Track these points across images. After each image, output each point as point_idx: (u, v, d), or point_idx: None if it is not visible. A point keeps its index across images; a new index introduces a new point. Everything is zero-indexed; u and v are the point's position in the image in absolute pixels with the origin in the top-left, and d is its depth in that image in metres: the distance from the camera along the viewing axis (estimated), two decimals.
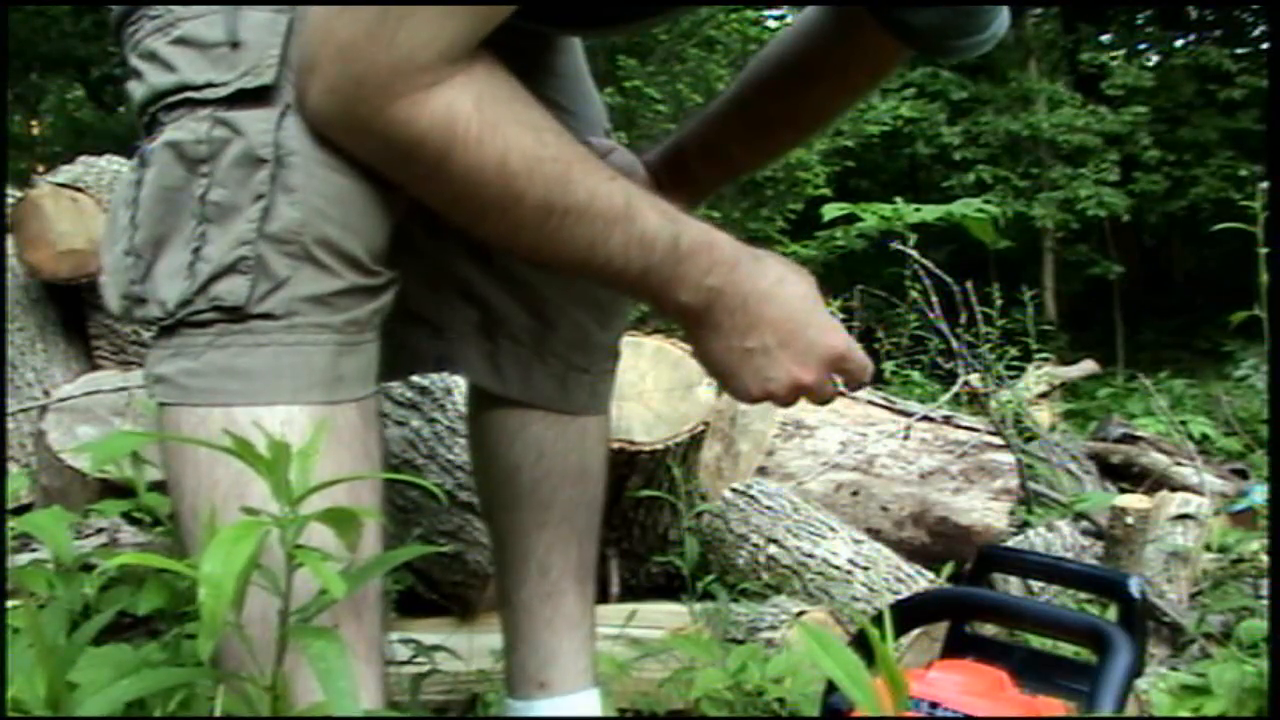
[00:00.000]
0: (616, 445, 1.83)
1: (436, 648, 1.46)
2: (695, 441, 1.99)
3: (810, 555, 1.91)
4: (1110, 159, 13.67)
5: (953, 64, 12.72)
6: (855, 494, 2.32)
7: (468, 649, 1.54)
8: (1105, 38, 16.63)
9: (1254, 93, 13.54)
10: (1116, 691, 0.83)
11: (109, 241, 0.85)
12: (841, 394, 0.97)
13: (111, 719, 0.70)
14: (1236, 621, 1.79)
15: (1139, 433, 3.64)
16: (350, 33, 0.75)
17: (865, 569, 1.86)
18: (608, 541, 1.94)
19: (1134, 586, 0.92)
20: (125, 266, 0.83)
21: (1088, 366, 5.57)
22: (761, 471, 2.32)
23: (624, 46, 9.99)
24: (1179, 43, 16.52)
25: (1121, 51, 15.48)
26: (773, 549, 1.94)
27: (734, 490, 2.09)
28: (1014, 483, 2.39)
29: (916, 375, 3.96)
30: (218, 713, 0.72)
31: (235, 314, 0.78)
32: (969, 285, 3.36)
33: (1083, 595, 1.75)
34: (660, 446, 1.90)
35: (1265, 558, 2.09)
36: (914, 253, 3.23)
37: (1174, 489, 2.59)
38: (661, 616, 1.71)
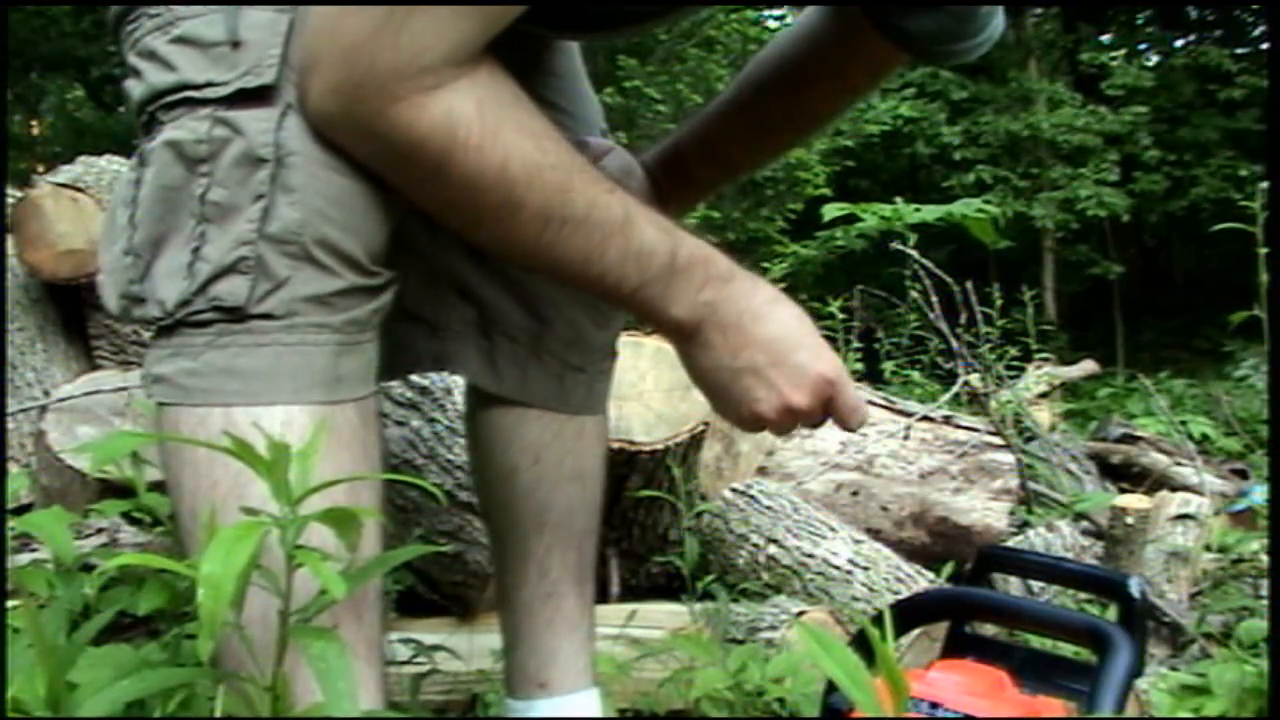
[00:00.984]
0: (616, 445, 1.83)
1: (436, 648, 1.46)
2: (695, 441, 1.99)
3: (810, 555, 1.91)
4: (1110, 159, 13.66)
5: (952, 65, 12.72)
6: (855, 494, 2.32)
7: (468, 649, 1.54)
8: (1105, 38, 16.63)
9: (1254, 93, 13.54)
10: (1116, 691, 0.83)
11: (107, 241, 0.85)
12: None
13: (111, 719, 0.70)
14: (1236, 621, 1.79)
15: (1139, 433, 3.64)
16: (355, 32, 0.75)
17: (865, 569, 1.86)
18: (608, 541, 1.94)
19: (1134, 586, 0.92)
20: (124, 266, 0.82)
21: (1088, 366, 5.57)
22: (761, 471, 2.32)
23: (624, 47, 9.99)
24: (1179, 43, 16.53)
25: (1121, 51, 15.45)
26: (773, 549, 1.94)
27: (734, 490, 2.09)
28: (1014, 483, 2.39)
29: (916, 375, 3.96)
30: (218, 713, 0.72)
31: (235, 314, 0.78)
32: (969, 285, 3.36)
33: (1083, 595, 1.75)
34: (660, 446, 1.90)
35: (1265, 558, 2.09)
36: (914, 253, 3.23)
37: (1174, 489, 2.59)
38: (661, 616, 1.71)
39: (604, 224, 0.82)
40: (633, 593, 1.97)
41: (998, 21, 1.06)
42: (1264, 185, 1.86)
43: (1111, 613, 0.96)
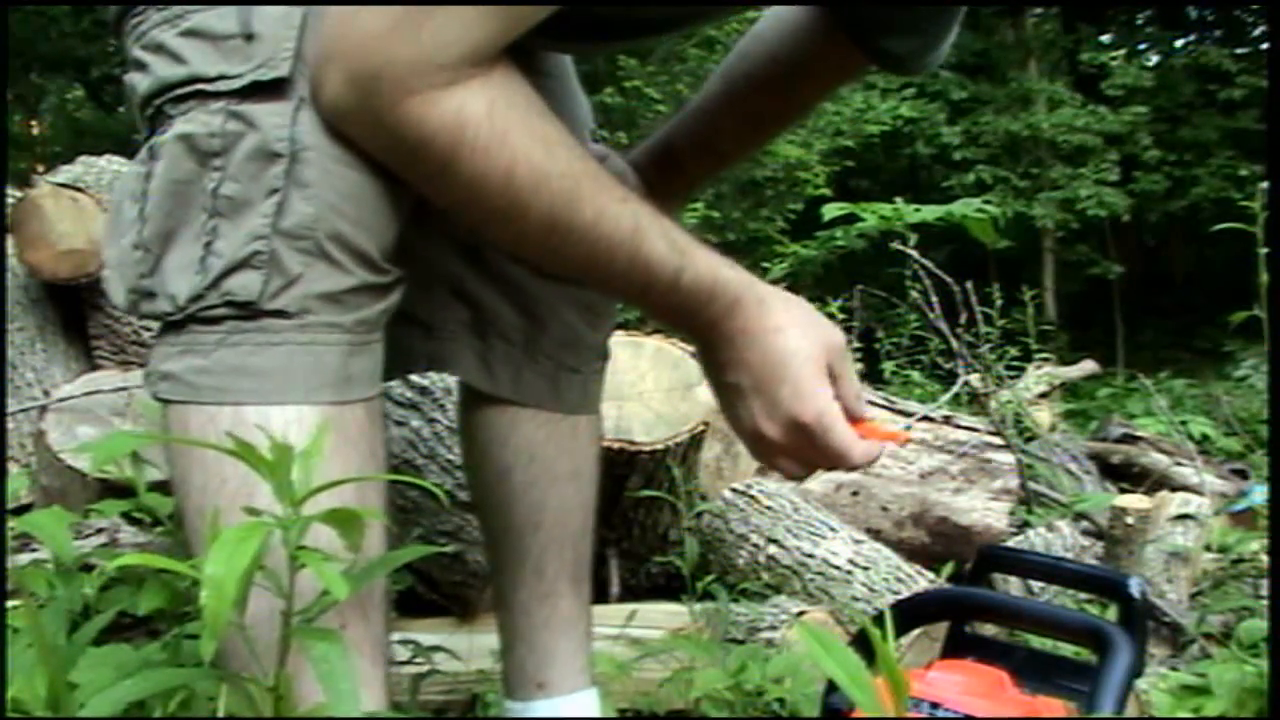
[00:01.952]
0: (616, 445, 1.83)
1: (436, 648, 1.45)
2: (695, 441, 1.99)
3: (810, 555, 1.91)
4: (1110, 159, 13.68)
5: (950, 64, 12.74)
6: (855, 494, 2.32)
7: (467, 649, 1.54)
8: (1105, 38, 16.65)
9: (1254, 93, 13.55)
10: (1116, 691, 0.83)
11: (114, 235, 0.84)
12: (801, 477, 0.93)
13: (112, 719, 0.70)
14: (1236, 621, 1.79)
15: (1139, 433, 3.64)
16: (375, 25, 0.75)
17: (865, 569, 1.86)
18: (608, 541, 1.94)
19: (1134, 586, 0.92)
20: (133, 260, 0.82)
21: (1088, 366, 5.57)
22: (761, 471, 2.32)
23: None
24: (1179, 43, 16.55)
25: (1121, 51, 15.47)
26: (773, 549, 1.94)
27: (734, 490, 2.09)
28: (1014, 483, 2.39)
29: (916, 375, 3.97)
30: (221, 713, 0.72)
31: (248, 310, 0.78)
32: (969, 285, 3.36)
33: (1083, 595, 1.75)
34: (660, 446, 1.90)
35: (1265, 558, 2.09)
36: (914, 253, 3.24)
37: (1174, 489, 2.59)
38: (661, 616, 1.71)
39: (611, 235, 0.82)
40: (633, 593, 1.97)
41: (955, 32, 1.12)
42: (1264, 185, 1.86)
43: (1111, 613, 0.96)
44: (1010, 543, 2.24)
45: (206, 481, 0.78)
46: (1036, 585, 1.88)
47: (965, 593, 1.04)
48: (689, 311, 0.87)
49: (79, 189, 2.17)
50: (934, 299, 3.22)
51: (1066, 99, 14.17)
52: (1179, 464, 3.24)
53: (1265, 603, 1.86)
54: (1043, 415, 3.73)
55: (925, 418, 2.47)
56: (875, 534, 2.15)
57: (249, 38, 0.79)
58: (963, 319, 3.30)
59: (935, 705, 0.84)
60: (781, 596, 1.83)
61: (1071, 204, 13.27)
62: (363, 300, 0.81)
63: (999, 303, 3.72)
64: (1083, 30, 15.93)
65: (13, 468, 1.99)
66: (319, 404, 0.79)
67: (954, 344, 3.14)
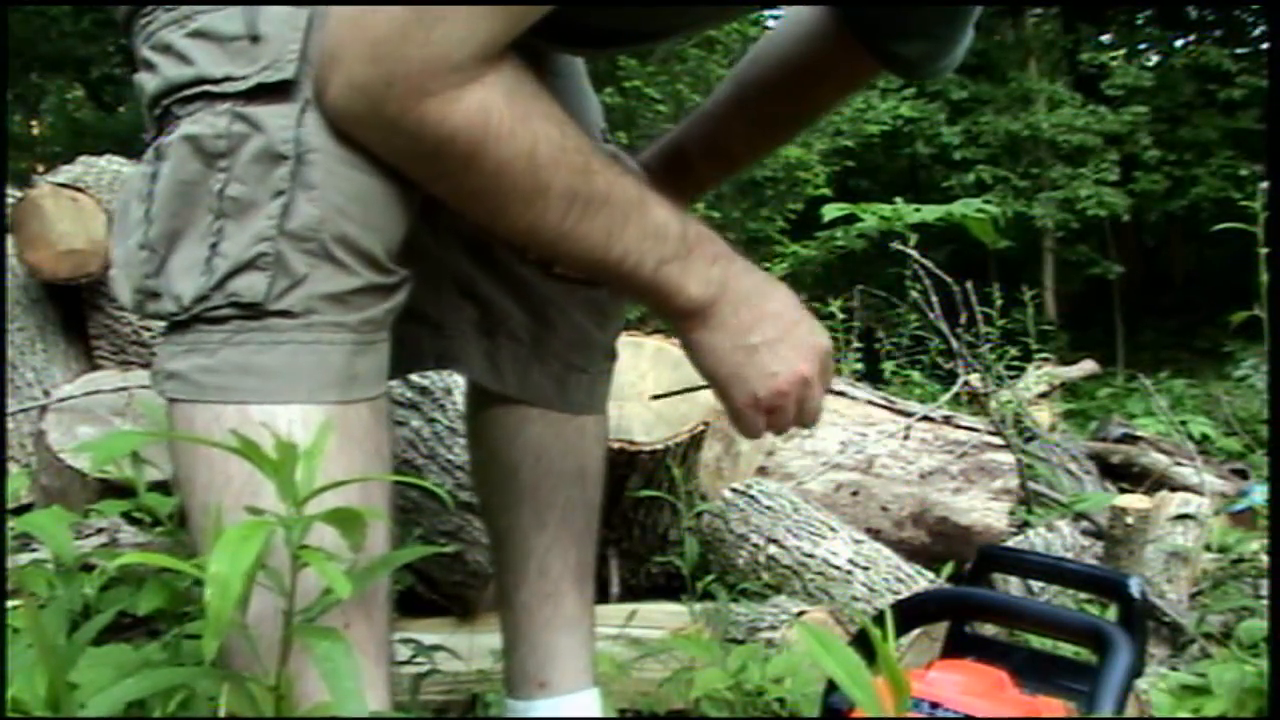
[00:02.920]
0: (616, 445, 1.83)
1: (436, 648, 1.45)
2: (695, 441, 1.99)
3: (810, 555, 1.91)
4: (1110, 159, 13.68)
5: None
6: (855, 494, 2.32)
7: (468, 649, 1.54)
8: (1105, 38, 16.65)
9: (1254, 93, 13.56)
10: (1116, 691, 0.83)
11: (120, 235, 0.85)
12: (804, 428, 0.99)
13: (112, 719, 0.70)
14: (1236, 621, 1.79)
15: (1139, 433, 3.65)
16: (383, 30, 0.75)
17: (865, 569, 1.86)
18: (608, 541, 1.94)
19: (1134, 586, 0.92)
20: (139, 260, 0.82)
21: (1088, 366, 5.57)
22: (761, 471, 2.32)
23: None
24: (1179, 43, 16.55)
25: (1121, 51, 15.48)
26: (773, 549, 1.94)
27: (734, 490, 2.09)
28: (1014, 483, 2.39)
29: (916, 375, 3.97)
30: (222, 713, 0.72)
31: (253, 310, 0.78)
32: (969, 285, 3.36)
33: (1083, 595, 1.75)
34: (660, 446, 1.90)
35: (1265, 558, 2.09)
36: (914, 253, 3.23)
37: (1174, 489, 2.59)
38: (661, 616, 1.71)
39: (623, 203, 0.84)
40: (633, 593, 1.97)
41: (970, 37, 1.12)
42: (1264, 185, 1.86)
43: (1111, 613, 0.96)
44: (1010, 543, 2.24)
45: (211, 479, 0.79)
46: (1036, 585, 1.88)
47: (965, 593, 1.04)
48: (700, 274, 0.88)
49: (79, 189, 2.17)
50: (934, 299, 3.22)
51: (1066, 99, 14.18)
52: (1179, 464, 3.24)
53: (1265, 603, 1.86)
54: (1043, 415, 3.73)
55: (925, 418, 2.47)
56: (875, 534, 2.15)
57: (255, 39, 0.79)
58: (963, 319, 3.30)
59: (935, 705, 0.84)
60: (781, 596, 1.83)
61: (1071, 204, 13.28)
62: (368, 300, 0.81)
63: (999, 303, 3.73)
64: (1083, 30, 15.94)
65: (13, 468, 1.99)
66: (323, 403, 0.79)
67: (954, 344, 3.14)
